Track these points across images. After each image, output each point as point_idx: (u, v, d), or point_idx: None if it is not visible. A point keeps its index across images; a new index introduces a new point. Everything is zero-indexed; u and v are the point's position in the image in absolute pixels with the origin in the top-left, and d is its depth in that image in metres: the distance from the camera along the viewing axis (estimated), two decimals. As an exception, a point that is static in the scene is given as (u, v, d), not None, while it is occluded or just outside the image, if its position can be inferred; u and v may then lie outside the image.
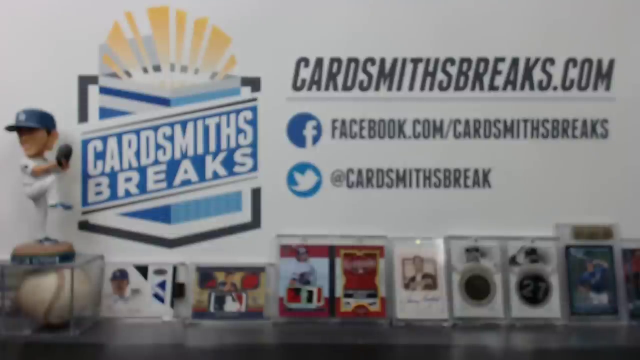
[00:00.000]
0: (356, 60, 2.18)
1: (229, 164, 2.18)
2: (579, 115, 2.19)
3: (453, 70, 2.18)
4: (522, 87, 2.18)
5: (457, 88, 2.18)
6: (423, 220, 2.17)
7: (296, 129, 2.18)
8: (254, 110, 2.18)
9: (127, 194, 2.17)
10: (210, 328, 2.05)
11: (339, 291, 2.10)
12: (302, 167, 2.18)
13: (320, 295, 2.09)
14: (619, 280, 2.12)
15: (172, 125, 2.17)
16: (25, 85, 2.12)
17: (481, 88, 2.19)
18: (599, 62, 2.18)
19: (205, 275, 2.12)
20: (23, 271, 1.98)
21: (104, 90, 2.16)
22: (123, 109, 2.16)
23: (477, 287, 2.10)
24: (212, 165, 2.18)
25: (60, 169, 2.02)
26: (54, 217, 2.07)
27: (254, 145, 2.18)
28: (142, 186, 2.17)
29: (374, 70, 2.18)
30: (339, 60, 2.18)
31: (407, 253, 2.13)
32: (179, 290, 2.12)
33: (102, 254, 2.14)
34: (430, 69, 2.18)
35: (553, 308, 2.08)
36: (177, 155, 2.17)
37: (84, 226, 2.16)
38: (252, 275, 2.12)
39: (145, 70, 2.17)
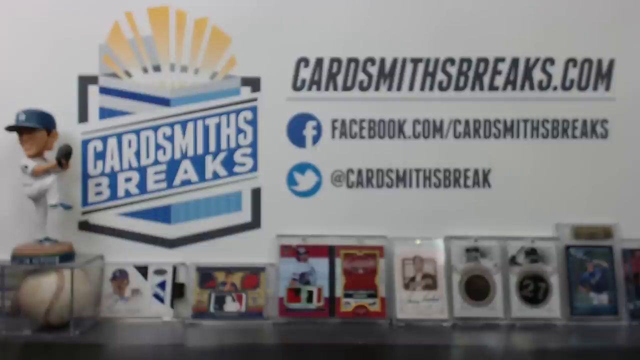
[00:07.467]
0: (356, 60, 2.18)
1: (229, 164, 2.18)
2: (579, 115, 2.19)
3: (453, 70, 2.18)
4: (522, 87, 2.18)
5: (457, 88, 2.18)
6: (423, 220, 2.17)
7: (296, 129, 2.18)
8: (254, 110, 2.18)
9: (127, 194, 2.17)
10: (210, 328, 2.04)
11: (339, 291, 2.10)
12: (302, 167, 2.18)
13: (320, 295, 2.09)
14: (619, 280, 2.12)
15: (172, 125, 2.17)
16: (25, 85, 2.12)
17: (481, 88, 2.19)
18: (599, 62, 2.18)
19: (205, 275, 2.12)
20: (23, 271, 1.98)
21: (104, 90, 2.16)
22: (123, 109, 2.16)
23: (477, 287, 2.10)
24: (212, 165, 2.17)
25: (60, 169, 2.02)
26: (54, 217, 2.07)
27: (254, 145, 2.18)
28: (142, 186, 2.17)
29: (374, 70, 2.18)
30: (339, 60, 2.18)
31: (407, 253, 2.13)
32: (179, 291, 2.12)
33: (102, 254, 2.14)
34: (430, 69, 2.18)
35: (553, 308, 2.08)
36: (177, 155, 2.17)
37: (84, 226, 2.16)
38: (252, 275, 2.12)
39: (145, 70, 2.16)
